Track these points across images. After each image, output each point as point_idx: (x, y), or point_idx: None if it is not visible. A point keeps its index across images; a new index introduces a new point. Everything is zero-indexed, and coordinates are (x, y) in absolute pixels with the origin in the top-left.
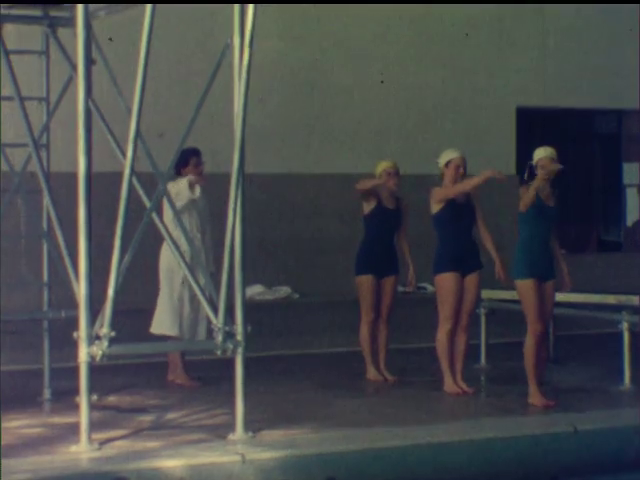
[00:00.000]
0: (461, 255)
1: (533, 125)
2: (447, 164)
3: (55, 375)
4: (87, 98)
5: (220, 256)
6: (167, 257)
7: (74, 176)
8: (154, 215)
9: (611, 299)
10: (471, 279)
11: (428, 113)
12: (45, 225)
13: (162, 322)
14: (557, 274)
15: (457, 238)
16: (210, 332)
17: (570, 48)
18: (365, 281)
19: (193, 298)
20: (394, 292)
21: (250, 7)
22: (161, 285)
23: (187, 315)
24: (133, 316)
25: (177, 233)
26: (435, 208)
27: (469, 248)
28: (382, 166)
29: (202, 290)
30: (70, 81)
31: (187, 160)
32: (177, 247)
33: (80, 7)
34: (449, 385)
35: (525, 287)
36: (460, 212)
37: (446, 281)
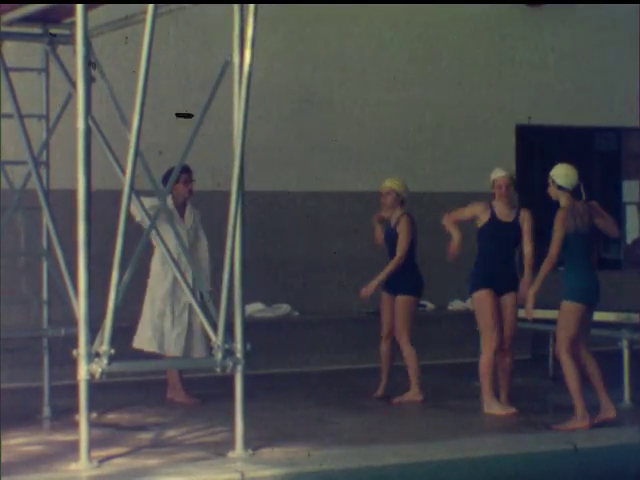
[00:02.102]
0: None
1: (533, 143)
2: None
3: (55, 393)
4: (87, 116)
5: (220, 274)
6: (153, 273)
7: (74, 193)
8: (154, 233)
9: (611, 317)
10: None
11: (428, 131)
12: (45, 242)
13: (142, 337)
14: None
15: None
16: (210, 349)
17: (570, 66)
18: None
19: (181, 314)
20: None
21: (250, 24)
22: (145, 300)
23: (168, 331)
24: (133, 334)
25: (178, 252)
26: None
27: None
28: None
29: (201, 307)
30: (70, 98)
31: (177, 177)
32: (178, 267)
33: (80, 25)
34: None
35: (571, 310)
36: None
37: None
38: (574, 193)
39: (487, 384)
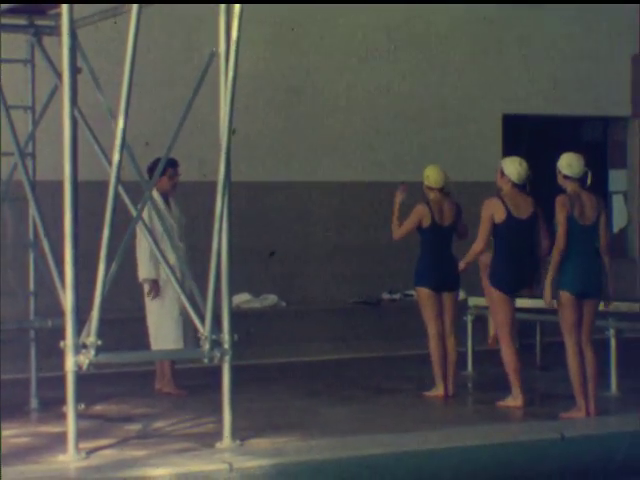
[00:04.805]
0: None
1: (519, 132)
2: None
3: (42, 384)
4: (73, 107)
5: (206, 264)
6: (158, 271)
7: (60, 185)
8: (140, 224)
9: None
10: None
11: (415, 120)
12: (31, 234)
13: (167, 337)
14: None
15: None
16: (197, 340)
17: (556, 56)
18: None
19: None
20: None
21: (236, 16)
22: (153, 300)
23: (185, 326)
24: (120, 325)
25: (164, 246)
26: None
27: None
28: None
29: (190, 300)
30: (55, 90)
31: (163, 170)
32: (166, 260)
33: (65, 16)
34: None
35: (564, 300)
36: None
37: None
38: (581, 182)
39: (516, 376)
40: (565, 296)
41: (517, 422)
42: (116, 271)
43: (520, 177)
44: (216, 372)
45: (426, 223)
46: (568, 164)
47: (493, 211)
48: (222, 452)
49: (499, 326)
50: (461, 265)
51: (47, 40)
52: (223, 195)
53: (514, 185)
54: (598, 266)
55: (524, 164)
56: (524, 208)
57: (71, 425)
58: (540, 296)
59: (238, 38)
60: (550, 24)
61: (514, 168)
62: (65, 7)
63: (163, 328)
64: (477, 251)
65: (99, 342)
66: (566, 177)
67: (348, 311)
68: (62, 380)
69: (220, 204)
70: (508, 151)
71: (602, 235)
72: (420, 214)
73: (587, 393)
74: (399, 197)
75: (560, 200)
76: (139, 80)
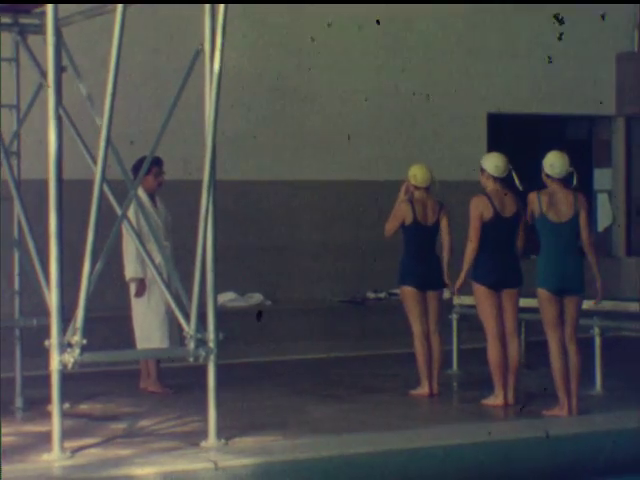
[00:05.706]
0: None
1: (504, 131)
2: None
3: (27, 383)
4: (57, 105)
5: (192, 263)
6: (144, 270)
7: (45, 183)
8: (125, 222)
9: (583, 305)
10: None
11: (400, 119)
12: (16, 233)
13: (152, 336)
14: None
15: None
16: (182, 339)
17: (541, 54)
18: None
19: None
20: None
21: (220, 14)
22: (139, 299)
23: (171, 325)
24: (105, 323)
25: (150, 245)
26: None
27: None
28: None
29: (176, 298)
30: (40, 88)
31: (149, 169)
32: (152, 259)
33: (50, 14)
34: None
35: (541, 297)
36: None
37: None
38: (565, 181)
39: (498, 374)
40: (542, 293)
41: (502, 420)
42: (101, 270)
43: (499, 170)
44: (201, 371)
45: (408, 221)
46: (551, 164)
47: (482, 209)
48: (207, 451)
49: (484, 322)
50: (458, 283)
51: (32, 39)
52: (208, 194)
53: (496, 180)
54: (577, 263)
55: (502, 157)
56: (509, 206)
57: (56, 424)
58: (523, 295)
59: (223, 36)
60: (535, 23)
61: (492, 162)
62: (50, 6)
63: (149, 327)
64: (471, 253)
65: (84, 341)
66: (547, 176)
67: (333, 310)
68: (47, 379)
69: (205, 202)
70: (493, 150)
71: (583, 233)
72: (402, 213)
73: (570, 391)
74: (405, 195)
75: (528, 197)
76: (124, 79)
